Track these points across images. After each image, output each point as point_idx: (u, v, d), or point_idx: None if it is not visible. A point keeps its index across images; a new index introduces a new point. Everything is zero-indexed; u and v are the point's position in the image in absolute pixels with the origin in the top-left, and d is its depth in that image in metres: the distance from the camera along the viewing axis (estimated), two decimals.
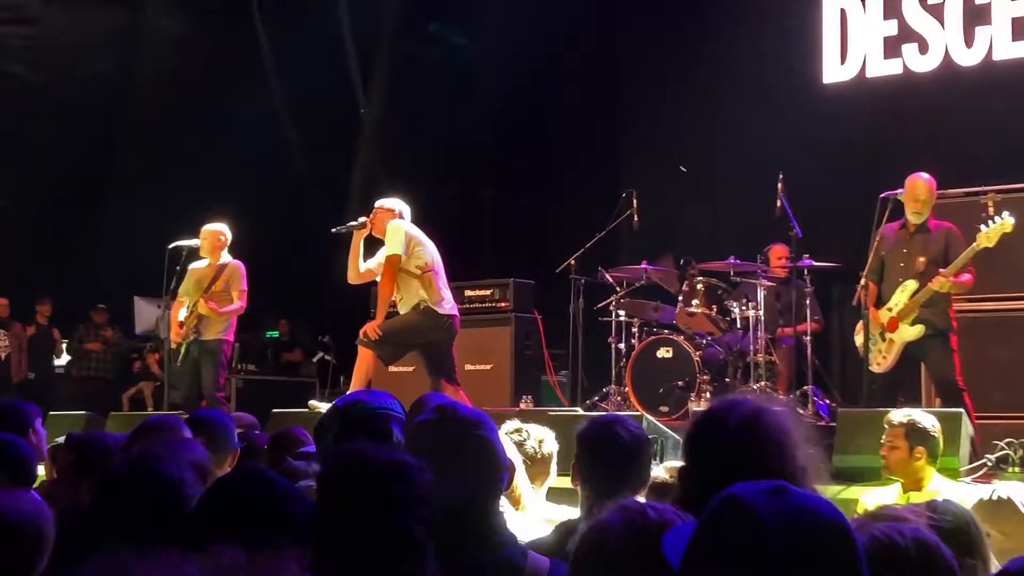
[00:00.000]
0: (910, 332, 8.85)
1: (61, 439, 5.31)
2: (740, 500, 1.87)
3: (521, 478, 4.23)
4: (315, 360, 15.91)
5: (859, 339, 9.22)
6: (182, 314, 10.59)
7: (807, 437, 2.87)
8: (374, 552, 2.50)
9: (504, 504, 4.04)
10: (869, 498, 6.09)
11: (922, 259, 8.85)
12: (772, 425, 2.69)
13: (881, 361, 9.01)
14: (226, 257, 10.72)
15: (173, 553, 2.20)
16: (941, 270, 8.65)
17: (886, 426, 6.17)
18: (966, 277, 8.74)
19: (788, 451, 2.66)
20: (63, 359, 16.19)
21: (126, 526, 3.01)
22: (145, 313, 15.36)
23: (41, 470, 5.72)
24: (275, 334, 16.48)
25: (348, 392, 8.97)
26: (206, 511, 2.82)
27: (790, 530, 1.81)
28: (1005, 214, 8.71)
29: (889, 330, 8.94)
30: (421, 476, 2.64)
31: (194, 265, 10.81)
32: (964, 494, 5.39)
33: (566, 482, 4.26)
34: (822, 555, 1.82)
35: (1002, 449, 8.06)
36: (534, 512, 4.25)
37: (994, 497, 4.24)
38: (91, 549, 2.72)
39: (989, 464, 7.94)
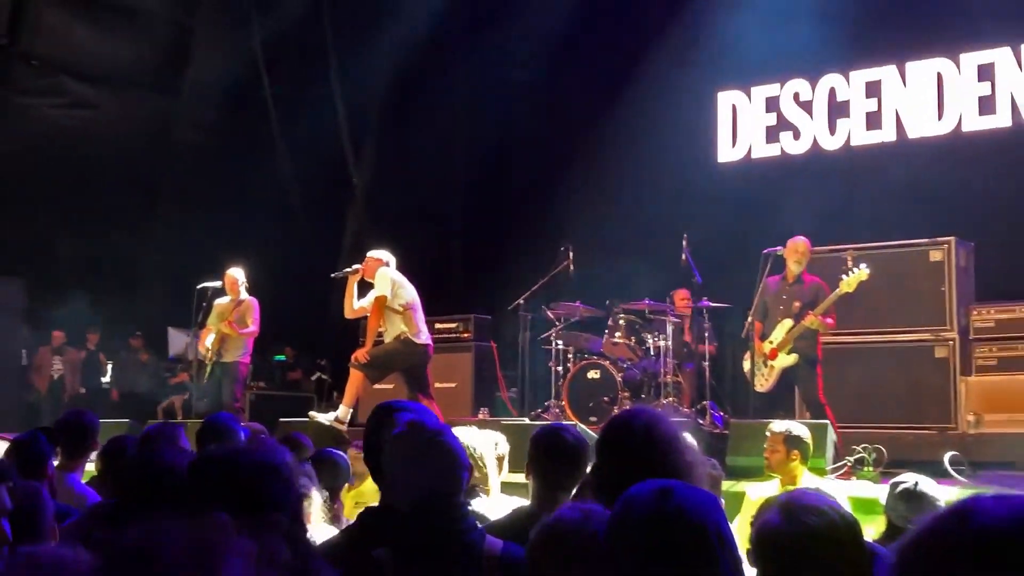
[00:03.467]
0: (786, 360, 8.99)
1: None
2: (635, 500, 1.89)
3: (492, 473, 4.22)
4: (313, 379, 15.81)
5: (747, 365, 9.33)
6: (210, 340, 10.64)
7: (695, 440, 2.94)
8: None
9: (481, 493, 4.12)
10: (754, 490, 6.11)
11: (797, 304, 8.99)
12: (665, 431, 2.71)
13: (764, 383, 9.14)
14: (244, 295, 10.78)
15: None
16: (810, 313, 8.82)
17: (768, 434, 6.19)
18: (829, 320, 8.90)
19: (678, 451, 2.67)
20: (107, 377, 16.05)
21: (144, 501, 3.03)
22: (176, 340, 15.28)
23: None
24: (282, 358, 16.38)
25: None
26: (197, 481, 2.68)
27: (671, 524, 1.83)
28: (863, 265, 8.86)
29: (770, 358, 9.07)
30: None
31: (218, 301, 10.87)
32: (830, 488, 5.50)
33: (517, 477, 4.31)
34: (693, 542, 1.83)
35: (859, 453, 8.19)
36: (497, 499, 4.26)
37: (912, 487, 4.27)
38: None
39: (849, 464, 8.06)
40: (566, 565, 2.21)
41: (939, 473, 7.41)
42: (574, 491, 3.59)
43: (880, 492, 4.50)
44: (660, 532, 1.83)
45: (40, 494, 2.95)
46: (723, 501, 4.78)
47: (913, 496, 4.24)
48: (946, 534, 1.14)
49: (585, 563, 2.14)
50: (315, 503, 4.10)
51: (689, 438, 2.88)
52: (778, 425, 6.24)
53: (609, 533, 1.91)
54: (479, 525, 3.08)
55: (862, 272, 8.74)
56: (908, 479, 4.36)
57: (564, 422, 7.29)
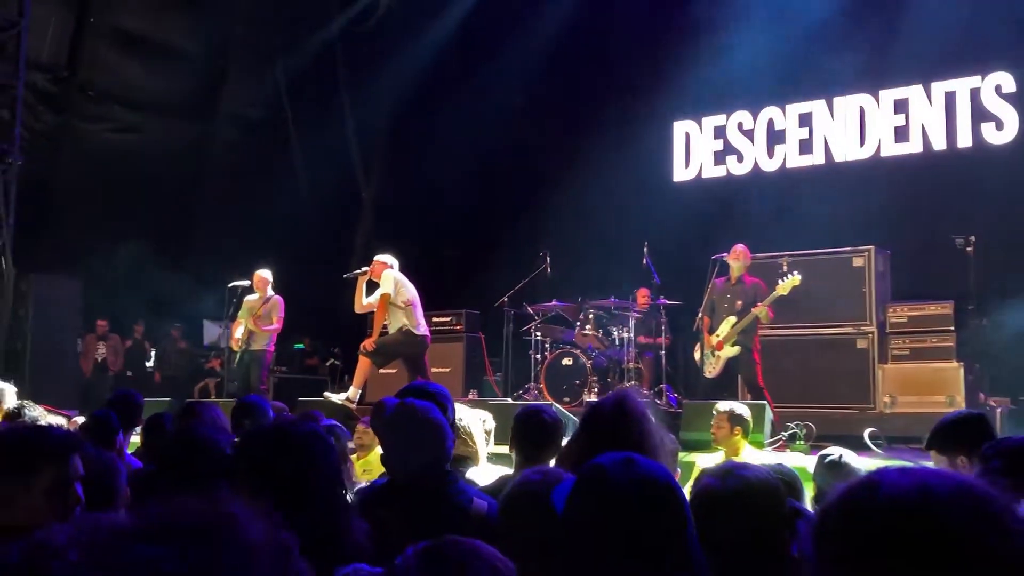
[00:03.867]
0: (731, 351, 9.00)
1: None
2: (602, 467, 1.85)
3: (480, 445, 4.21)
4: (328, 364, 15.79)
5: (697, 355, 9.35)
6: (239, 332, 10.56)
7: (659, 419, 2.94)
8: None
9: (471, 463, 4.08)
10: (702, 460, 6.09)
11: (739, 303, 9.02)
12: (634, 410, 2.71)
13: (711, 370, 9.15)
14: (270, 292, 10.68)
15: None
16: (759, 303, 8.82)
17: (715, 413, 6.22)
18: (770, 314, 8.94)
19: (645, 428, 2.67)
20: (151, 362, 15.98)
21: (182, 473, 2.97)
22: (211, 331, 15.22)
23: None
24: (301, 346, 16.34)
25: (364, 389, 9.05)
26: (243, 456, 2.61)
27: (635, 489, 1.80)
28: (795, 272, 8.90)
29: (717, 349, 9.09)
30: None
31: (248, 297, 10.77)
32: (767, 459, 5.50)
33: (502, 449, 4.29)
34: (655, 505, 1.80)
35: (792, 429, 8.21)
36: (484, 467, 4.25)
37: (836, 459, 4.26)
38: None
39: (783, 439, 8.08)
40: (528, 517, 2.20)
41: (860, 447, 7.44)
42: (552, 462, 3.57)
43: (810, 462, 4.50)
44: (626, 490, 1.81)
45: (114, 463, 2.93)
46: (679, 470, 4.79)
47: (836, 466, 4.25)
48: (856, 503, 1.13)
49: (541, 514, 2.13)
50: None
51: (655, 416, 2.87)
52: (723, 405, 6.27)
53: (578, 491, 1.87)
54: (468, 488, 3.07)
55: (795, 279, 8.79)
56: (833, 451, 4.36)
57: (542, 403, 7.29)
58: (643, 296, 11.52)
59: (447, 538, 1.63)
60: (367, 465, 5.92)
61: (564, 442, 3.67)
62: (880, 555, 1.08)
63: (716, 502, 2.30)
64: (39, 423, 4.23)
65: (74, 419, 6.11)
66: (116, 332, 15.01)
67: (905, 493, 1.10)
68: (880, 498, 1.11)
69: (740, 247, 9.18)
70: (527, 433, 3.66)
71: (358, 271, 9.48)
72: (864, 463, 4.53)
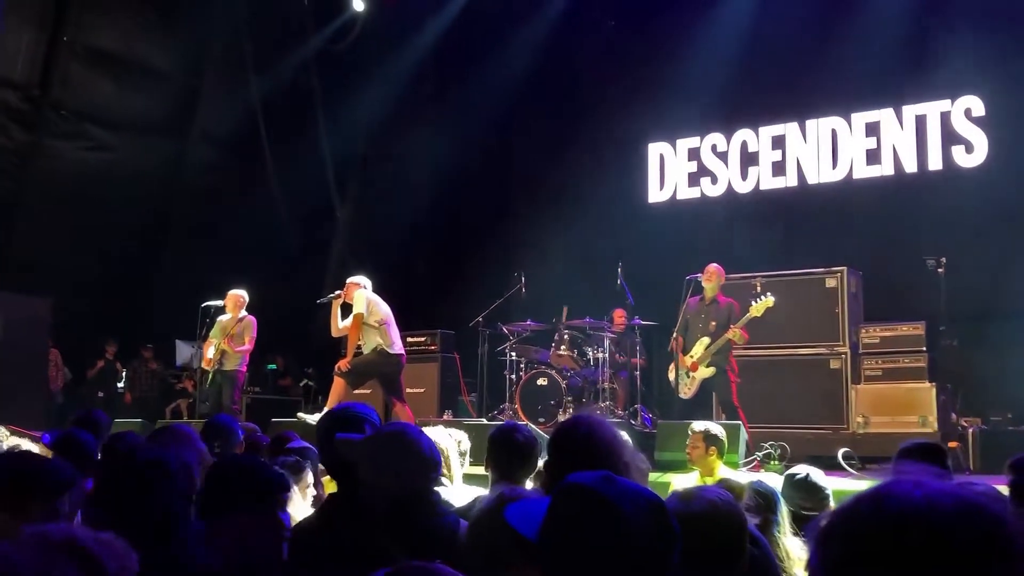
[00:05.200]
0: (705, 372, 9.01)
1: None
2: (582, 485, 1.78)
3: (455, 466, 4.17)
4: (301, 385, 15.65)
5: (671, 375, 9.33)
6: (210, 352, 10.45)
7: (631, 442, 2.92)
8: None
9: (446, 482, 4.05)
10: (677, 480, 6.10)
11: (713, 323, 9.03)
12: (606, 434, 2.68)
13: (686, 391, 9.15)
14: (243, 313, 10.60)
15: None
16: (732, 326, 8.84)
17: (690, 432, 6.17)
18: (744, 335, 8.97)
19: (616, 451, 2.64)
20: (122, 383, 15.79)
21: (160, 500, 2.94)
22: (183, 351, 15.05)
23: None
24: (273, 367, 16.21)
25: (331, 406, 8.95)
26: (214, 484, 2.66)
27: (625, 504, 1.74)
28: (768, 294, 8.94)
29: (691, 370, 9.09)
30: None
31: (221, 317, 10.67)
32: (741, 479, 5.50)
33: (477, 469, 4.26)
34: (645, 522, 1.74)
35: (766, 449, 8.23)
36: (459, 488, 4.23)
37: (803, 477, 4.28)
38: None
39: (758, 459, 8.10)
40: (488, 536, 2.18)
41: (834, 466, 7.46)
42: (528, 481, 3.55)
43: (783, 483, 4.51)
44: (604, 508, 1.74)
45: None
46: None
47: (803, 485, 4.27)
48: (862, 513, 1.12)
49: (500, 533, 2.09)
50: (305, 485, 4.07)
51: (625, 437, 2.85)
52: (698, 425, 6.23)
53: (555, 508, 1.80)
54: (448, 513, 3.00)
55: (768, 300, 8.84)
56: (800, 470, 4.37)
57: (517, 422, 7.26)
58: (620, 316, 11.54)
59: (407, 564, 1.61)
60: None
61: (540, 461, 3.65)
62: (881, 568, 1.08)
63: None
64: (31, 453, 4.13)
65: (41, 440, 6.00)
66: (56, 348, 14.49)
67: (912, 507, 1.10)
68: (886, 510, 1.11)
69: (714, 267, 9.21)
70: (502, 452, 3.62)
71: (332, 295, 9.44)
72: (833, 482, 4.55)
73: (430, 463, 2.92)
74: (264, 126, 15.44)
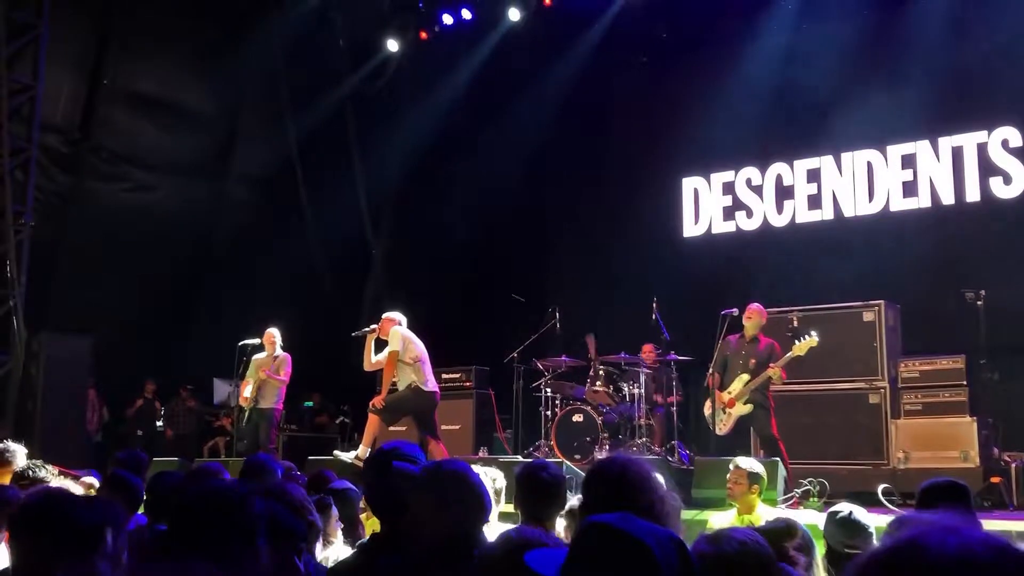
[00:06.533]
0: (742, 409, 8.95)
1: None
2: (602, 522, 1.77)
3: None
4: (337, 422, 15.74)
5: (707, 411, 9.26)
6: (248, 390, 10.56)
7: (665, 480, 2.92)
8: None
9: None
10: (715, 518, 6.07)
11: (753, 361, 8.96)
12: (639, 473, 2.67)
13: (722, 427, 9.08)
14: (279, 351, 10.72)
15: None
16: (772, 364, 8.78)
17: (732, 468, 6.09)
18: (783, 375, 8.90)
19: (649, 490, 2.63)
20: (161, 421, 15.94)
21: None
22: (220, 389, 15.21)
23: None
24: (310, 404, 16.30)
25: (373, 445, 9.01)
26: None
27: (648, 539, 1.72)
28: (813, 333, 8.85)
29: (728, 407, 9.03)
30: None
31: (256, 356, 10.80)
32: (781, 516, 5.45)
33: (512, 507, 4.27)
34: (665, 556, 1.71)
35: (805, 486, 8.15)
36: (495, 526, 4.22)
37: (846, 515, 4.22)
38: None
39: (796, 496, 8.02)
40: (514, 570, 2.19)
41: (874, 503, 7.37)
42: (559, 519, 3.55)
43: (823, 520, 4.47)
44: (626, 543, 1.73)
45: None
46: (683, 527, 4.75)
47: (847, 523, 4.22)
48: (898, 559, 1.14)
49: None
50: (333, 525, 4.09)
51: (659, 477, 2.86)
52: (743, 461, 6.17)
53: (577, 546, 1.80)
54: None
55: (812, 340, 8.76)
56: (843, 508, 4.33)
57: (547, 459, 7.24)
58: (647, 352, 11.47)
59: None
60: (377, 526, 5.87)
61: (571, 499, 3.66)
62: None
63: (707, 565, 2.35)
64: (71, 491, 4.21)
65: (83, 479, 6.09)
66: (94, 388, 14.63)
67: (948, 556, 1.10)
68: (921, 557, 1.12)
69: (756, 306, 9.16)
70: (529, 491, 3.64)
71: (367, 329, 9.51)
72: (875, 520, 4.50)
73: (486, 504, 2.87)
74: (300, 166, 15.69)
